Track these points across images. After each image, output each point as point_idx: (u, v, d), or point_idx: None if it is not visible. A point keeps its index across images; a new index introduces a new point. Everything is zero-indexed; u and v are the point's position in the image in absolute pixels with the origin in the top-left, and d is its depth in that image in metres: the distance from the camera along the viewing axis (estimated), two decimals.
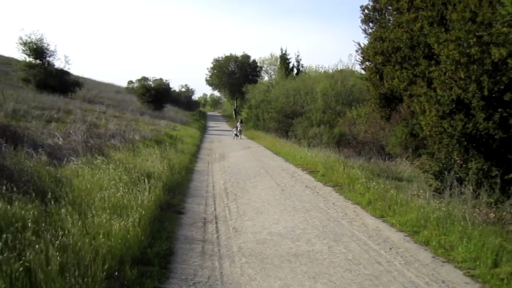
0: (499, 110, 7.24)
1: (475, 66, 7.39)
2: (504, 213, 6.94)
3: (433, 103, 8.52)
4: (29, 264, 3.87)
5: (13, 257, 3.96)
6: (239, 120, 34.86)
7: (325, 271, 5.26)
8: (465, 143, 8.07)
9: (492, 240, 5.63)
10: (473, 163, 8.10)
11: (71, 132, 12.96)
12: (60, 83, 28.34)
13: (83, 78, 36.42)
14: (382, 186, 9.42)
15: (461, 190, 7.84)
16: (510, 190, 7.31)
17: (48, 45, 28.98)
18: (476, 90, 7.44)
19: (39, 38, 28.42)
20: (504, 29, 6.55)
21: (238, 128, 31.31)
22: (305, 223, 7.47)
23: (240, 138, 30.41)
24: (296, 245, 6.25)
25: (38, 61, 28.74)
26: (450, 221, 6.55)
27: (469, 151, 8.23)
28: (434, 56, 8.94)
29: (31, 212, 5.18)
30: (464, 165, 8.42)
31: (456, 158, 8.58)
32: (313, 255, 5.84)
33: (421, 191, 8.92)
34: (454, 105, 8.06)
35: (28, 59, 28.72)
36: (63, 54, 65.47)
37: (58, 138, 11.85)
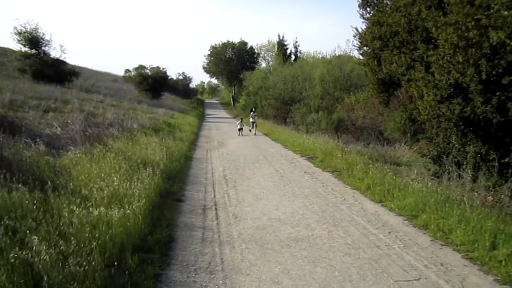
0: (497, 93, 7.23)
1: (473, 50, 7.36)
2: (502, 196, 6.98)
3: (431, 87, 8.50)
4: (29, 253, 3.88)
5: (13, 245, 3.98)
6: (251, 109, 25.98)
7: (324, 255, 5.31)
8: (463, 127, 8.08)
9: (490, 223, 5.68)
10: (471, 147, 8.12)
11: (69, 121, 12.93)
12: (57, 72, 28.16)
13: (80, 67, 36.22)
14: (381, 171, 9.45)
15: (459, 174, 7.88)
16: (508, 173, 7.34)
17: (43, 34, 28.76)
18: (474, 74, 7.41)
19: (34, 28, 28.18)
20: (506, 12, 6.50)
21: (251, 120, 23.70)
22: (304, 208, 7.51)
23: (254, 134, 22.67)
24: (295, 230, 6.29)
25: (33, 51, 28.51)
26: (448, 204, 6.59)
27: (467, 135, 8.24)
28: (432, 40, 8.89)
29: (30, 201, 5.20)
30: (462, 149, 8.44)
31: (454, 142, 8.60)
32: (313, 240, 5.88)
33: (419, 175, 8.96)
34: (452, 89, 8.05)
35: (23, 49, 28.51)
36: (59, 44, 65.30)
37: (56, 127, 11.82)
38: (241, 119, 24.17)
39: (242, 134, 22.28)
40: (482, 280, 4.63)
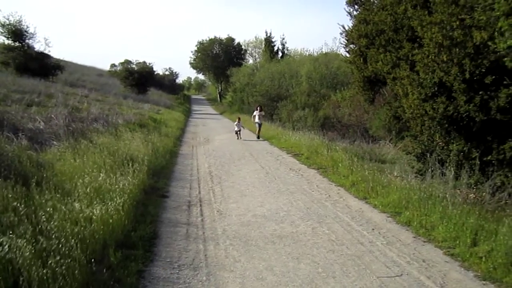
0: (480, 93, 7.33)
1: (457, 49, 7.45)
2: (484, 193, 7.08)
3: (416, 86, 8.59)
4: (8, 249, 3.81)
5: None
6: (257, 107, 19.61)
7: (308, 252, 5.33)
8: (447, 125, 8.17)
9: (471, 220, 5.75)
10: (454, 145, 8.22)
11: (53, 116, 12.76)
12: (41, 66, 27.70)
13: (64, 61, 35.57)
14: (366, 168, 9.52)
15: (442, 171, 7.97)
16: (489, 171, 7.45)
17: (27, 27, 28.26)
18: (458, 73, 7.51)
19: (17, 20, 27.68)
20: (483, 16, 6.60)
21: (255, 120, 18.76)
22: (289, 205, 7.53)
23: (257, 138, 18.36)
24: (280, 227, 6.30)
25: (17, 44, 28.02)
26: (431, 202, 6.67)
27: (450, 133, 8.34)
28: (418, 39, 8.98)
29: (11, 197, 5.11)
30: (445, 147, 8.54)
31: (438, 140, 8.70)
32: (297, 236, 5.90)
33: (403, 173, 9.05)
34: (436, 88, 8.14)
35: (6, 41, 28.03)
36: (43, 37, 63.85)
37: (39, 122, 11.66)
38: (239, 118, 19.25)
39: (241, 138, 18.04)
40: (463, 276, 4.70)
